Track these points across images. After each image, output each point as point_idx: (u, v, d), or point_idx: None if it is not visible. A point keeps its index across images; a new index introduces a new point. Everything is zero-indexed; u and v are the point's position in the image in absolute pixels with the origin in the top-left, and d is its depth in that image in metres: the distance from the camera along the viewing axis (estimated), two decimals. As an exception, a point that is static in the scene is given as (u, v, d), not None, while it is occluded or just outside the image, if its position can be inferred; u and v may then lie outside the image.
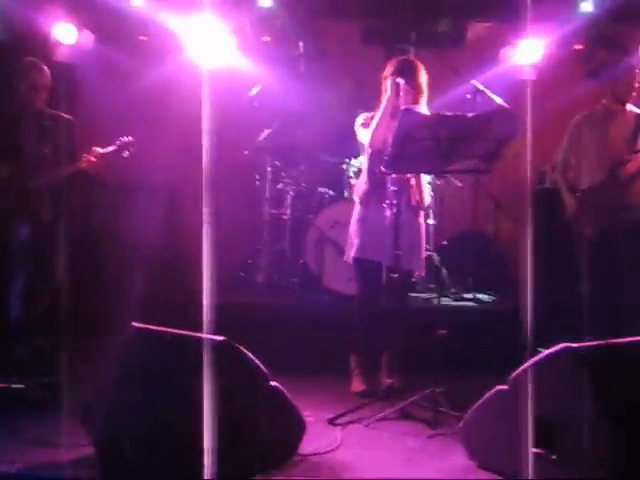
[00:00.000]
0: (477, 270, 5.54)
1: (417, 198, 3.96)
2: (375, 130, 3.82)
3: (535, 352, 2.96)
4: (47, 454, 3.09)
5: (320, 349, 4.61)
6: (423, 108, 3.93)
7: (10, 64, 4.71)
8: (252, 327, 4.56)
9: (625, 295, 4.39)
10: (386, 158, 3.46)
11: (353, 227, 4.05)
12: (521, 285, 3.36)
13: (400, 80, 3.77)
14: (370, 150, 3.94)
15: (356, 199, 4.12)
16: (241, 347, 2.90)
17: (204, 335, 2.82)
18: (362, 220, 4.00)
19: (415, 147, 3.37)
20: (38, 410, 3.61)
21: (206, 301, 3.12)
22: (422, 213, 4.05)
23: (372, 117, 3.96)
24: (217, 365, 2.73)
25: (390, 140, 3.62)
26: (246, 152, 5.77)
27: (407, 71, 3.88)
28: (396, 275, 3.70)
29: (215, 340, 2.79)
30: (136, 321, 3.04)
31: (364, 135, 3.95)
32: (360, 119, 4.03)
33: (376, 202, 3.88)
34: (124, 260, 5.22)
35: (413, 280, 4.34)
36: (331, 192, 5.63)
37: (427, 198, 4.07)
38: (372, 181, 3.93)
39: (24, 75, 4.07)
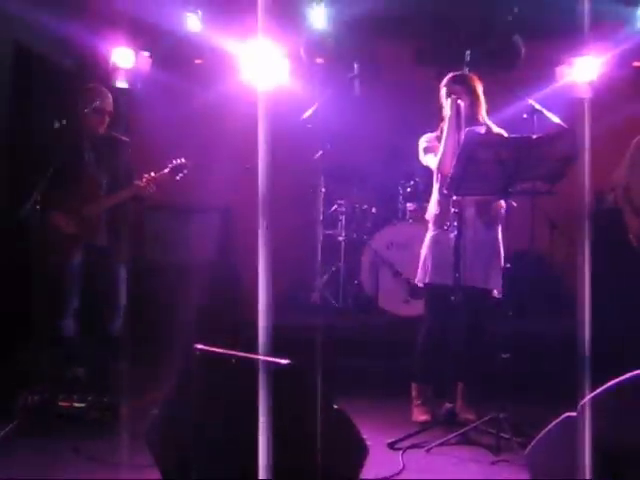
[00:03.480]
0: (534, 292, 5.45)
1: (492, 214, 3.88)
2: (443, 155, 3.77)
3: (595, 380, 2.88)
4: (109, 473, 3.11)
5: (375, 371, 4.58)
6: (484, 118, 3.89)
7: (72, 89, 4.84)
8: (306, 348, 4.55)
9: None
10: (449, 180, 3.43)
11: (426, 250, 3.96)
12: (579, 310, 3.29)
13: (460, 101, 3.74)
14: (440, 173, 3.87)
15: (430, 224, 4.03)
16: (305, 370, 2.88)
17: (268, 358, 2.80)
18: (435, 243, 3.91)
19: (477, 168, 3.33)
20: (99, 429, 3.66)
21: (261, 323, 3.12)
22: (499, 229, 3.94)
23: (436, 137, 3.93)
24: (281, 388, 2.72)
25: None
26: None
27: (461, 86, 3.85)
28: (468, 298, 3.67)
29: (280, 363, 2.77)
30: (194, 343, 3.05)
31: (430, 159, 3.90)
32: (423, 141, 3.97)
33: (449, 224, 3.81)
34: (180, 283, 5.26)
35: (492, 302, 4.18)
36: (385, 213, 5.62)
37: (502, 211, 3.99)
38: (443, 204, 3.85)
39: (89, 100, 4.15)
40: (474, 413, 3.79)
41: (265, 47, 5.49)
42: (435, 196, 3.99)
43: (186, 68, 6.01)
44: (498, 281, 3.91)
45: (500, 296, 3.99)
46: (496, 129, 3.87)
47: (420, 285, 4.00)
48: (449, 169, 3.70)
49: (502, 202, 3.90)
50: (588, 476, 2.56)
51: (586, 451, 2.61)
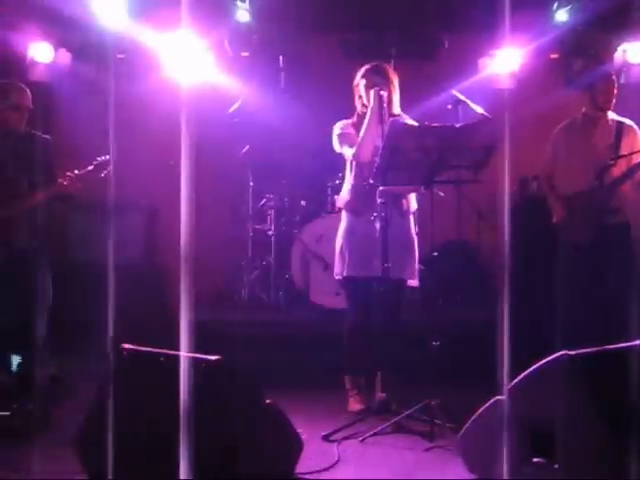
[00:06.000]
0: (463, 280, 5.55)
1: (406, 206, 3.94)
2: (362, 143, 3.78)
3: (523, 364, 2.96)
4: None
5: (309, 364, 4.58)
6: (397, 110, 3.93)
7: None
8: (238, 344, 4.51)
9: (612, 299, 4.43)
10: (374, 170, 3.44)
11: (341, 241, 3.98)
12: (499, 294, 3.36)
13: (383, 92, 3.77)
14: (356, 162, 3.89)
15: (342, 212, 4.05)
16: (235, 365, 2.85)
17: (197, 355, 2.76)
18: (351, 233, 3.93)
19: (403, 158, 3.35)
20: (24, 438, 3.52)
21: (184, 320, 3.08)
22: (412, 220, 4.01)
23: (351, 125, 3.94)
24: (211, 385, 2.68)
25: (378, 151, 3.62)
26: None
27: (381, 77, 3.87)
28: (385, 288, 3.69)
29: (209, 360, 2.73)
30: (121, 342, 2.97)
31: (347, 148, 3.91)
32: (337, 128, 3.98)
33: (366, 214, 3.83)
34: (105, 281, 5.12)
35: (408, 290, 4.21)
36: (314, 206, 5.62)
37: (414, 204, 4.04)
38: (360, 193, 3.86)
39: (6, 96, 3.98)
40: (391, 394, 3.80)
41: (189, 40, 5.42)
42: (348, 184, 4.01)
43: (108, 63, 5.84)
44: (414, 271, 3.96)
45: (417, 285, 4.07)
46: (409, 121, 3.91)
47: (339, 278, 4.01)
48: (367, 158, 3.73)
49: (412, 196, 3.98)
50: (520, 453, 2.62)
51: (521, 431, 2.67)
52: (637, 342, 2.84)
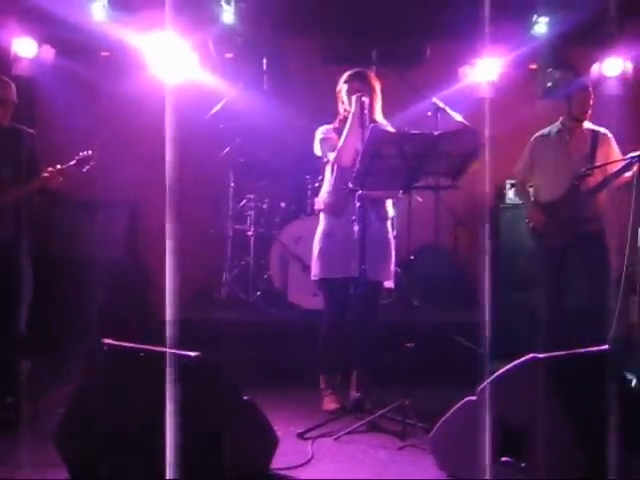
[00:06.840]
0: (438, 283, 5.64)
1: (384, 210, 4.02)
2: (343, 148, 3.85)
3: (494, 364, 3.05)
4: (13, 474, 3.04)
5: (286, 364, 4.64)
6: (379, 117, 4.01)
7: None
8: (216, 343, 4.55)
9: (585, 305, 4.54)
10: (353, 174, 3.51)
11: (319, 242, 4.04)
12: (480, 298, 3.46)
13: (365, 98, 3.84)
14: (338, 166, 3.96)
15: (321, 214, 4.11)
16: (214, 362, 2.90)
17: (177, 351, 2.81)
18: (329, 235, 3.99)
19: (382, 164, 3.41)
20: (2, 430, 3.55)
21: (168, 317, 3.13)
22: (389, 224, 4.09)
23: (333, 129, 4.01)
24: (190, 381, 2.74)
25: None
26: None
27: (363, 83, 3.94)
28: (362, 289, 3.75)
29: (188, 356, 2.79)
30: (99, 338, 3.01)
31: (328, 152, 3.98)
32: (319, 133, 4.04)
33: (344, 216, 3.89)
34: (86, 277, 5.15)
35: (384, 292, 4.32)
36: (293, 207, 5.67)
37: (390, 211, 4.12)
38: (340, 195, 3.93)
39: None
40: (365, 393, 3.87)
41: (173, 40, 5.45)
42: (328, 186, 4.07)
43: (92, 60, 5.87)
44: (389, 273, 4.04)
45: (392, 287, 4.14)
46: (389, 128, 3.97)
47: (316, 279, 4.07)
48: (348, 162, 3.80)
49: (389, 203, 4.07)
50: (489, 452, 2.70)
51: (490, 431, 2.75)
52: (604, 346, 2.95)
